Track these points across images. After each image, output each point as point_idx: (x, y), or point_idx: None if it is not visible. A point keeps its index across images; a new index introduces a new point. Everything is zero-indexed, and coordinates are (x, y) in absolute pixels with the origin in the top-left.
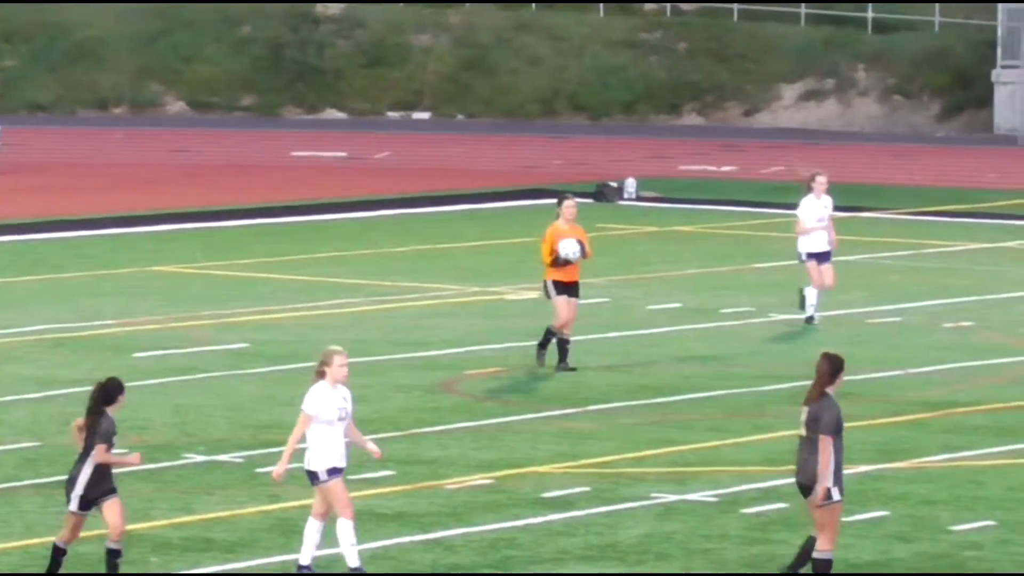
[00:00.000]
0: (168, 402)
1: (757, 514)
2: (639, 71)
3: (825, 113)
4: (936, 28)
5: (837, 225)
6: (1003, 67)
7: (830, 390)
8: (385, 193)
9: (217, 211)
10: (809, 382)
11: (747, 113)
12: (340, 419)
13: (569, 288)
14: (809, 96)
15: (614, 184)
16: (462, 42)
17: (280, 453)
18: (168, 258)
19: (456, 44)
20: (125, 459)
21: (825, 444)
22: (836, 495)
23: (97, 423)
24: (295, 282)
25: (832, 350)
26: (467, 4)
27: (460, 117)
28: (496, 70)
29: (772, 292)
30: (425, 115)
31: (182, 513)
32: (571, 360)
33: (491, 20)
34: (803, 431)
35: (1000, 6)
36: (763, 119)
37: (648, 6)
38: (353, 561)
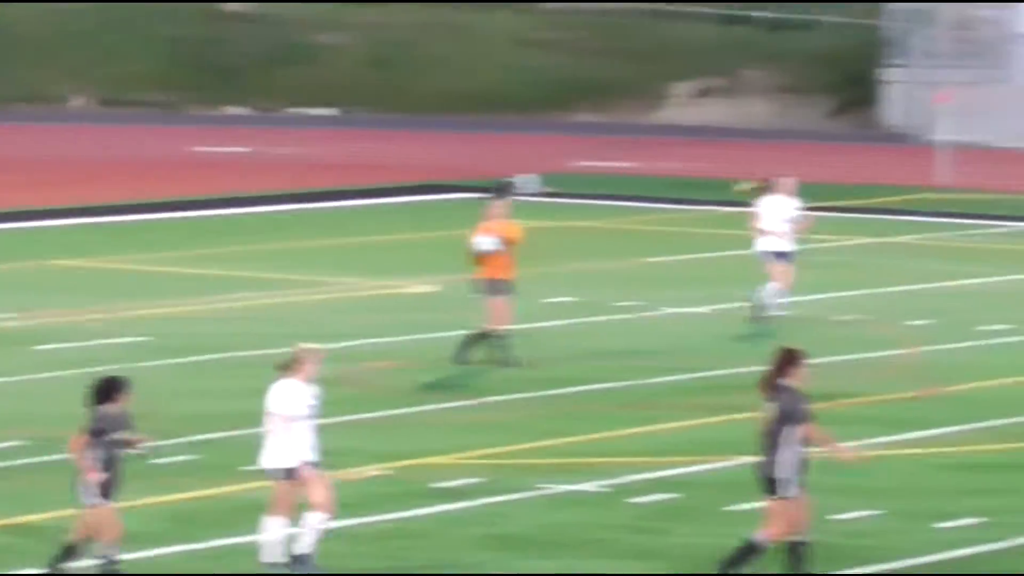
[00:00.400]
0: (68, 395)
1: (646, 504)
2: (538, 69)
3: (720, 110)
4: (826, 28)
5: (728, 220)
6: (890, 66)
7: (791, 383)
8: (288, 188)
9: (118, 206)
10: (697, 374)
11: (644, 110)
12: (308, 416)
13: (494, 284)
14: (704, 94)
15: (513, 180)
16: (369, 40)
17: (175, 445)
18: (69, 252)
19: (363, 42)
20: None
21: (809, 434)
22: (789, 490)
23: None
24: (197, 276)
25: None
26: (374, 3)
27: (366, 114)
28: (402, 68)
29: (665, 286)
30: (331, 111)
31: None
32: (512, 360)
33: (398, 19)
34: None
35: (887, 7)
36: (659, 116)
37: (549, 5)
38: (268, 557)
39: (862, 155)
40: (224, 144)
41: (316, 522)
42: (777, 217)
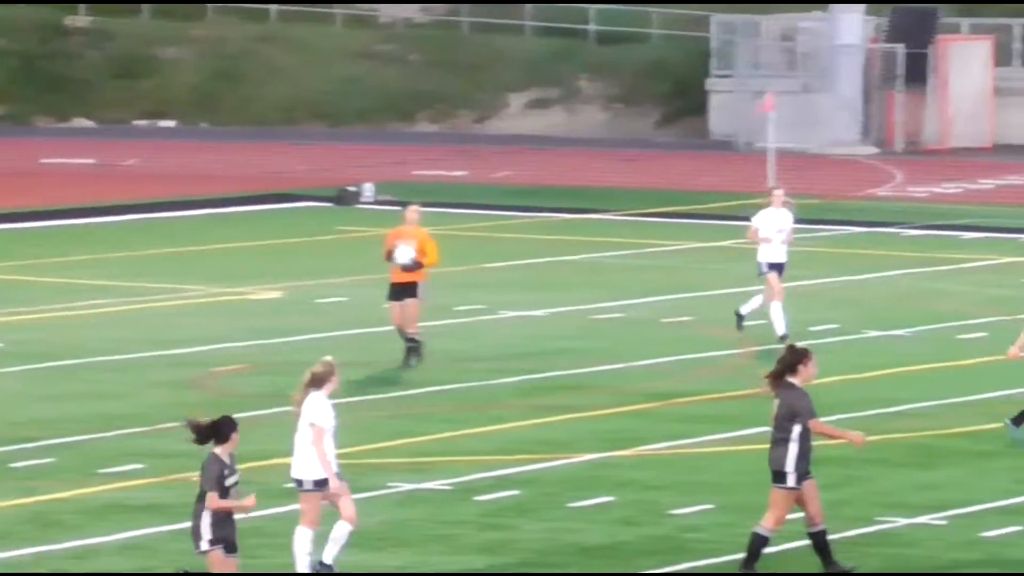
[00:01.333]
0: None
1: (491, 501)
2: (376, 81)
3: (552, 120)
4: (655, 40)
5: (564, 226)
6: (717, 76)
7: (795, 380)
8: (135, 199)
9: None
10: (537, 375)
11: (478, 120)
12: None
13: (404, 289)
14: (536, 104)
15: (353, 188)
16: (208, 54)
17: (32, 449)
18: None
19: (202, 56)
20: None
21: (814, 427)
22: (791, 481)
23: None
24: (49, 284)
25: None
26: (212, 17)
27: (206, 125)
28: (240, 80)
29: (503, 290)
30: (172, 123)
31: None
32: (414, 360)
33: (235, 32)
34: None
35: (713, 19)
36: (493, 126)
37: (383, 19)
38: (302, 567)
39: (690, 162)
40: (71, 156)
41: (344, 533)
42: (772, 229)
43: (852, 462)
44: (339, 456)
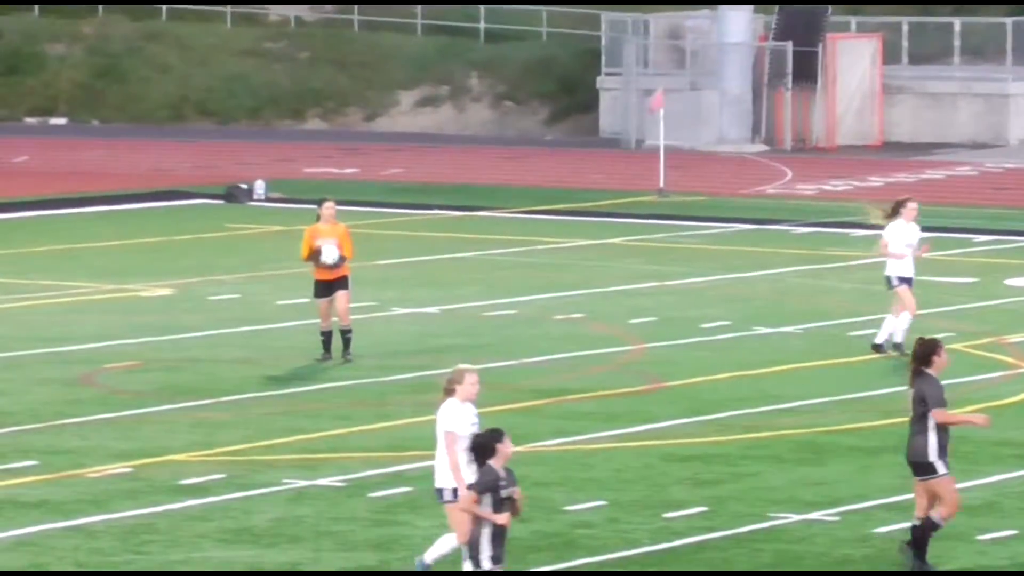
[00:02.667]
0: None
1: (383, 498)
2: (264, 78)
3: (441, 118)
4: (544, 38)
5: (454, 224)
6: (606, 74)
7: (931, 371)
8: (24, 196)
9: None
10: (428, 372)
11: (367, 118)
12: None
13: (332, 284)
14: (426, 102)
15: (243, 186)
16: (95, 51)
17: None
18: None
19: (89, 53)
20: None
21: (938, 417)
22: (941, 468)
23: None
24: None
25: (926, 336)
26: (100, 15)
27: (95, 123)
28: (128, 77)
29: (394, 287)
30: (61, 121)
31: None
32: (351, 352)
33: (123, 30)
34: (910, 411)
35: (603, 17)
36: (382, 124)
37: (272, 17)
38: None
39: (579, 160)
40: None
41: (451, 543)
42: (902, 242)
43: (740, 458)
44: (232, 453)
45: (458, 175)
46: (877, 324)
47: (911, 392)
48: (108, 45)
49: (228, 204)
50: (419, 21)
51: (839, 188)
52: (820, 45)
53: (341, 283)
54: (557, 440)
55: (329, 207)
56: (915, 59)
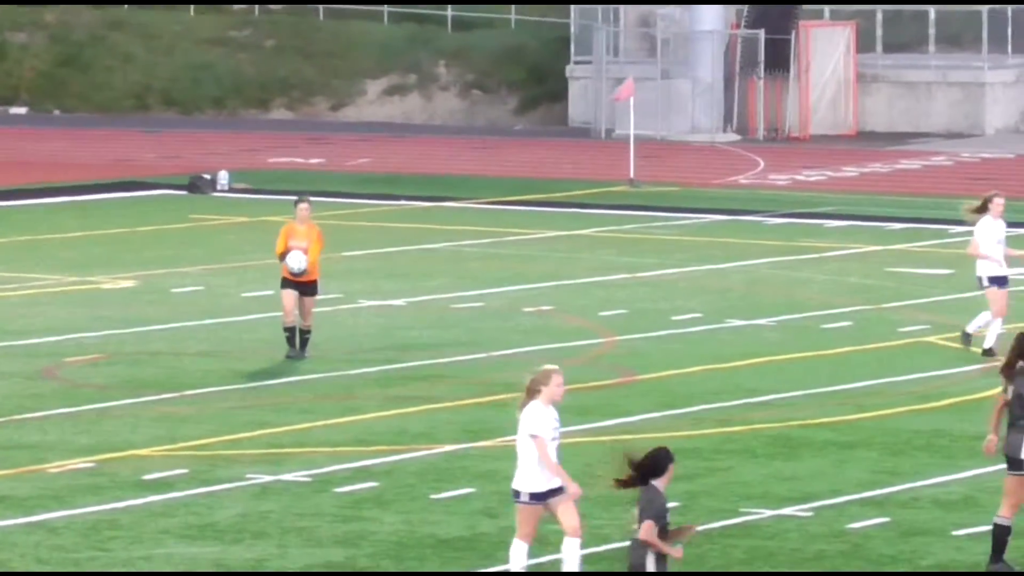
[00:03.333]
0: None
1: (349, 493)
2: (229, 67)
3: (408, 107)
4: (513, 26)
5: (422, 215)
6: (576, 63)
7: None
8: None
9: None
10: (396, 365)
11: (334, 108)
12: (553, 439)
13: (299, 285)
14: (393, 91)
15: (207, 176)
16: (57, 39)
17: None
18: None
19: (52, 41)
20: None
21: None
22: None
23: (651, 496)
24: None
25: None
26: (62, 3)
27: (57, 112)
28: (90, 66)
29: (361, 279)
30: (22, 110)
31: None
32: (308, 351)
33: (85, 18)
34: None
35: (573, 5)
36: (349, 113)
37: (237, 6)
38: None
39: (549, 150)
40: None
41: (573, 549)
42: (992, 240)
43: (712, 453)
44: (195, 447)
45: (426, 165)
46: (852, 316)
47: (1009, 388)
48: (71, 33)
49: (192, 195)
50: (386, 9)
51: (812, 178)
52: (793, 33)
53: (310, 288)
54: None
55: (304, 208)
56: (890, 47)
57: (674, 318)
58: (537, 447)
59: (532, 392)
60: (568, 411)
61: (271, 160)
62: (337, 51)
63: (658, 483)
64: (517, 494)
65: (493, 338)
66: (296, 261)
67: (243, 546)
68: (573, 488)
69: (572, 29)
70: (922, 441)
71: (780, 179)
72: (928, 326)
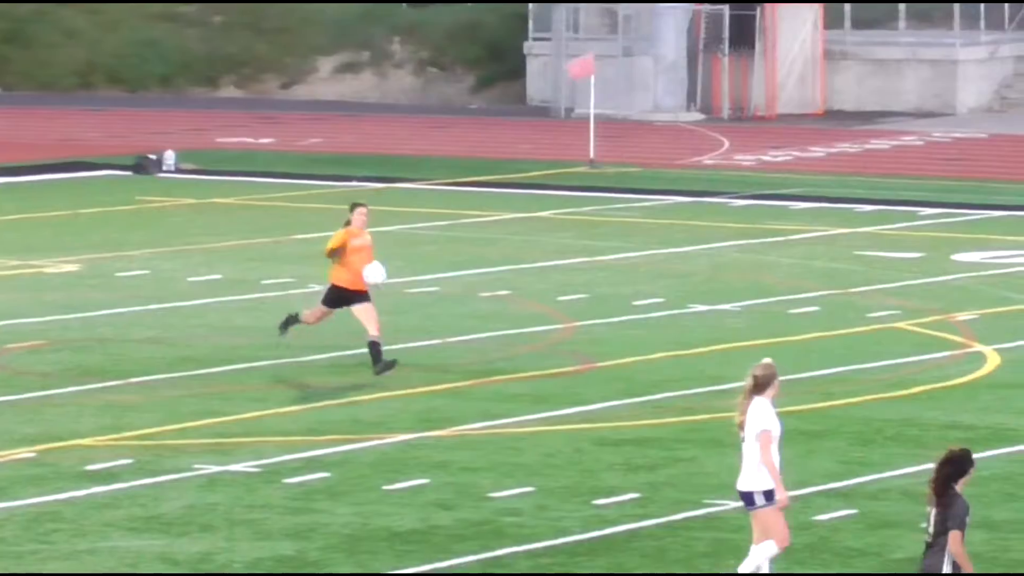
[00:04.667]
0: None
1: (299, 484)
2: (176, 44)
3: (362, 85)
4: (469, 1)
5: (375, 196)
6: (534, 40)
7: None
8: None
9: None
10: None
11: (285, 86)
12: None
13: (351, 295)
14: (345, 69)
15: (153, 156)
16: None
17: None
18: None
19: None
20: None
21: None
22: None
23: (951, 503)
24: None
25: None
26: None
27: (1, 91)
28: (34, 43)
29: (311, 263)
30: None
31: None
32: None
33: None
34: None
35: None
36: (300, 91)
37: None
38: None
39: (507, 129)
40: None
41: (767, 554)
42: None
43: (675, 442)
44: (141, 437)
45: (380, 145)
46: (820, 301)
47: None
48: (13, 9)
49: (137, 175)
50: None
51: (779, 159)
52: (758, 9)
53: (362, 295)
54: (484, 423)
55: (362, 213)
56: (859, 24)
57: (635, 303)
58: (763, 444)
59: (759, 387)
60: (525, 399)
61: (220, 140)
62: (288, 27)
63: (958, 487)
64: (751, 496)
65: (449, 324)
66: (376, 273)
67: (190, 539)
68: (781, 495)
69: (530, 5)
70: (891, 430)
71: (746, 160)
72: (898, 311)
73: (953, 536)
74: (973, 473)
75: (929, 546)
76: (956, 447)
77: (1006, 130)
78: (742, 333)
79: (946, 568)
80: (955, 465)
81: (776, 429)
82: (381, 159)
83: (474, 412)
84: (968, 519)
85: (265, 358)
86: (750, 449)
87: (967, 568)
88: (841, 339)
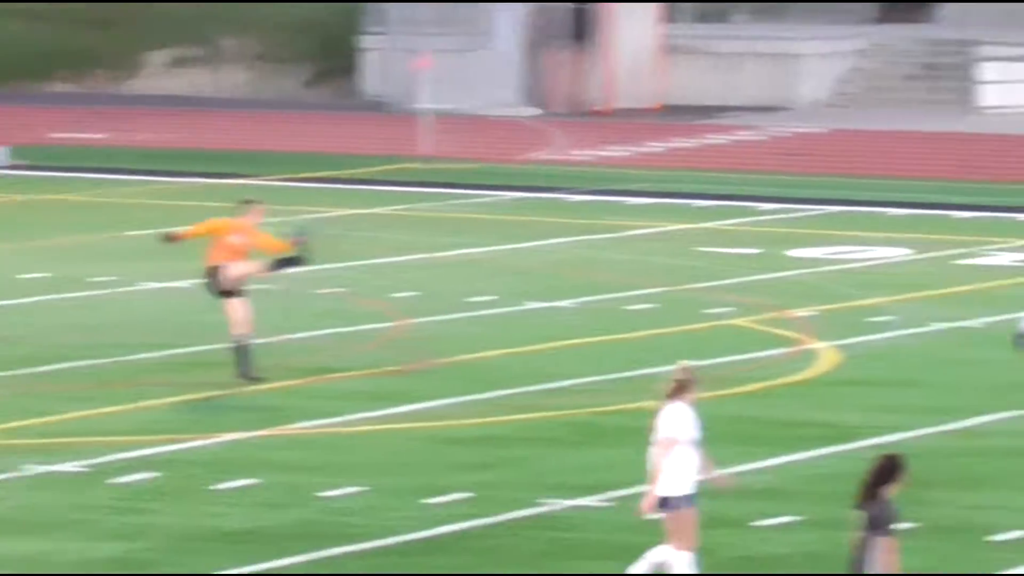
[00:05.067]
0: None
1: (127, 484)
2: (7, 37)
3: (194, 80)
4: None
5: (208, 192)
6: (370, 34)
7: None
8: None
9: None
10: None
11: (117, 80)
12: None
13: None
14: (178, 63)
15: None
16: None
17: None
18: None
19: None
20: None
21: None
22: None
23: (880, 507)
24: None
25: None
26: None
27: None
28: None
29: (141, 260)
30: None
31: None
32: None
33: None
34: None
35: None
36: (133, 86)
37: None
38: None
39: (341, 124)
40: None
41: (670, 554)
42: None
43: (510, 441)
44: None
45: (214, 140)
46: (657, 298)
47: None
48: None
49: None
50: None
51: (616, 154)
52: (596, 2)
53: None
54: (317, 421)
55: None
56: (699, 17)
57: (470, 300)
58: (664, 448)
59: (678, 391)
60: (361, 397)
61: (52, 135)
62: (120, 20)
63: (887, 491)
64: (667, 500)
65: (283, 321)
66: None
67: (16, 540)
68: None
69: None
70: (724, 428)
71: (582, 155)
72: (735, 308)
73: (881, 542)
74: (903, 478)
75: (857, 549)
76: (888, 453)
77: (846, 125)
78: (577, 330)
79: (869, 570)
80: (885, 471)
81: (683, 434)
82: (215, 154)
83: (307, 410)
84: (895, 523)
85: (92, 357)
86: (666, 453)
87: (893, 570)
88: (677, 336)
